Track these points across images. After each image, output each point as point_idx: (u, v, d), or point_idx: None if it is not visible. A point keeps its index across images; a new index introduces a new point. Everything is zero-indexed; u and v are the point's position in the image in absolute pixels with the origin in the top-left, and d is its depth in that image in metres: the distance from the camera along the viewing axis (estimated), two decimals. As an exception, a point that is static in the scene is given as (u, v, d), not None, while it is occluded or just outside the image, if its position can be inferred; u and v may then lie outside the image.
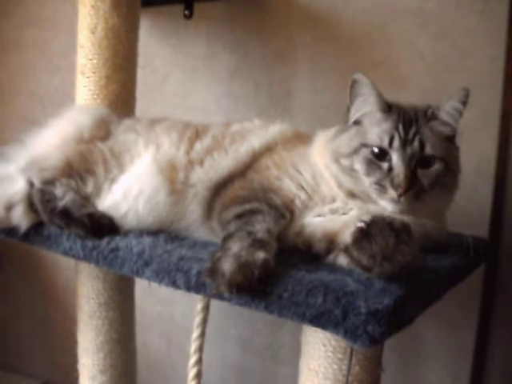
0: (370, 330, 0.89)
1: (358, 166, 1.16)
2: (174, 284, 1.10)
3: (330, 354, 1.14)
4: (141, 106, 1.89)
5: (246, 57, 1.96)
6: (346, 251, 1.03)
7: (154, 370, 2.25)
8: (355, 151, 1.17)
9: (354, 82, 1.19)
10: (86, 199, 1.31)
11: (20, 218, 1.29)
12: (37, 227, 1.31)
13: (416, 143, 1.14)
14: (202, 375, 1.48)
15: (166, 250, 1.15)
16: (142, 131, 1.42)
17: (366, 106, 1.19)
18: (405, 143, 1.14)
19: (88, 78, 1.62)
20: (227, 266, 0.97)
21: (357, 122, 1.21)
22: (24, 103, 2.33)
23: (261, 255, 0.99)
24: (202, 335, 1.47)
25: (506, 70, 1.66)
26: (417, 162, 1.14)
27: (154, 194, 1.28)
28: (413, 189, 1.12)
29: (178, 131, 1.40)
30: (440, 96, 1.69)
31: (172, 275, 1.09)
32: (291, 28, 1.90)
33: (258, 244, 1.03)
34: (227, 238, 1.07)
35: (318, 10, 1.87)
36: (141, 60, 1.94)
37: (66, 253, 1.28)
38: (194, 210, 1.27)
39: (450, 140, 1.21)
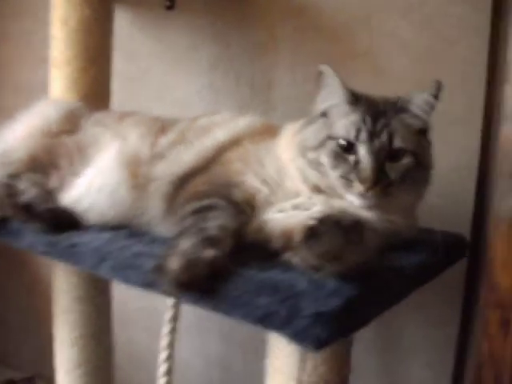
0: (316, 332, 0.85)
1: (325, 159, 1.13)
2: (127, 281, 1.08)
3: (294, 353, 1.10)
4: (122, 98, 1.88)
5: (228, 48, 1.93)
6: (296, 250, 1.00)
7: (138, 364, 2.24)
8: (322, 144, 1.14)
9: (320, 74, 1.18)
10: (50, 193, 1.30)
11: None
12: (3, 222, 1.30)
13: (384, 135, 1.10)
14: (172, 372, 1.46)
15: (122, 246, 1.14)
16: (110, 124, 1.40)
17: (332, 97, 1.17)
18: (372, 135, 1.10)
19: (61, 70, 1.59)
20: (174, 263, 0.94)
21: (324, 114, 1.18)
22: (9, 95, 2.31)
23: (210, 252, 0.97)
24: (173, 331, 1.46)
25: (490, 61, 1.62)
26: (385, 155, 1.10)
27: (116, 188, 1.26)
28: (380, 183, 1.08)
29: (146, 125, 1.37)
30: (423, 86, 1.68)
31: (126, 272, 1.07)
32: (272, 19, 1.87)
33: (209, 241, 1.00)
34: (179, 234, 1.05)
35: (300, 1, 1.83)
36: (122, 52, 1.93)
37: (28, 248, 1.28)
38: (155, 205, 1.24)
39: (421, 134, 1.18)
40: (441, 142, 1.66)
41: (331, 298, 0.90)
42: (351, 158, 1.11)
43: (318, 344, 0.86)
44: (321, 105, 1.19)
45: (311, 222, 0.96)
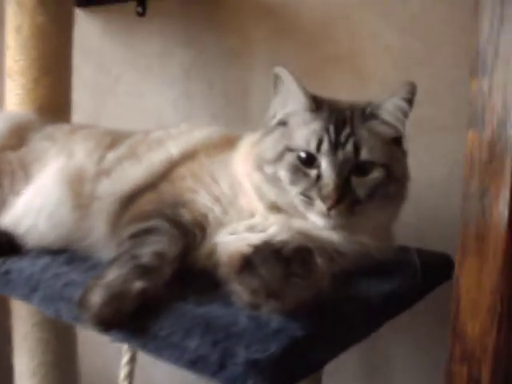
0: (251, 383, 0.73)
1: (283, 173, 1.02)
2: (58, 314, 0.97)
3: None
4: (93, 108, 1.79)
5: (201, 54, 1.84)
6: (231, 283, 0.86)
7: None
8: (280, 157, 1.03)
9: (276, 78, 1.06)
10: None
11: None
12: None
13: (349, 146, 0.99)
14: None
15: (55, 274, 1.03)
16: (59, 139, 1.30)
17: (291, 104, 1.05)
18: (336, 147, 0.99)
19: (15, 81, 1.50)
20: (96, 297, 0.83)
21: (283, 123, 1.07)
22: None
23: (137, 285, 0.85)
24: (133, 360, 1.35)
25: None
26: (351, 169, 0.99)
27: (57, 209, 1.15)
28: (345, 200, 0.97)
29: (95, 139, 1.27)
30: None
31: (56, 304, 0.97)
32: (246, 22, 1.77)
33: (141, 270, 0.88)
34: (110, 262, 0.93)
35: (274, 2, 1.73)
36: (93, 61, 1.85)
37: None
38: (98, 227, 1.12)
39: (394, 143, 1.06)
40: (426, 153, 1.56)
41: (271, 341, 0.77)
42: (313, 172, 1.00)
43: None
44: (279, 112, 1.07)
45: (248, 250, 0.83)
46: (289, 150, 1.02)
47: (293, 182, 1.01)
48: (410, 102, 1.03)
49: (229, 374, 0.74)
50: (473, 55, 0.80)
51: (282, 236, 0.96)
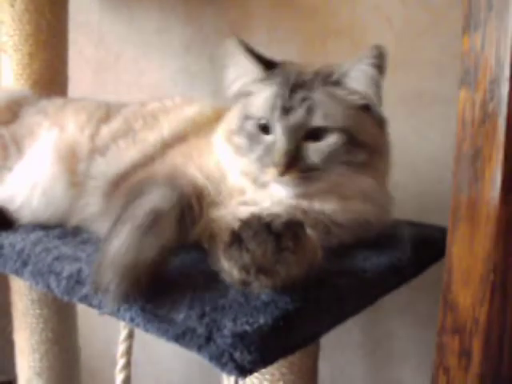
0: (238, 357, 0.71)
1: (243, 141, 1.02)
2: (48, 288, 0.96)
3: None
4: (94, 85, 1.77)
5: (201, 30, 1.81)
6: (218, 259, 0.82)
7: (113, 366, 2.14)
8: (242, 125, 1.04)
9: (228, 49, 1.03)
10: None
11: None
12: None
13: (301, 110, 0.96)
14: (130, 380, 1.34)
15: (45, 248, 1.02)
16: (51, 112, 1.28)
17: (245, 73, 1.04)
18: (288, 111, 0.97)
19: (10, 56, 1.48)
20: (109, 276, 0.77)
21: (244, 92, 1.06)
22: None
23: (147, 253, 0.79)
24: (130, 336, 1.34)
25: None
26: (304, 134, 0.96)
27: (51, 186, 1.14)
28: (296, 166, 0.95)
29: (88, 112, 1.25)
30: (409, 65, 1.53)
31: (45, 277, 0.96)
32: (247, -5, 1.73)
33: (141, 231, 0.82)
34: (109, 233, 0.85)
35: (275, -25, 1.69)
36: (94, 38, 1.83)
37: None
38: (94, 203, 1.12)
39: (362, 110, 1.01)
40: (428, 125, 1.53)
41: (259, 314, 0.75)
42: (268, 138, 0.99)
43: (240, 370, 0.72)
44: (237, 83, 1.06)
45: (235, 225, 0.79)
46: (247, 117, 1.02)
47: (251, 149, 1.00)
48: (379, 67, 0.97)
49: (215, 347, 0.72)
50: (465, 10, 0.76)
51: (274, 210, 0.93)
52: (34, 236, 1.08)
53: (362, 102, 1.00)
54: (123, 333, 1.33)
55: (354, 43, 1.61)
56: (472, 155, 0.78)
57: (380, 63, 0.97)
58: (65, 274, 0.92)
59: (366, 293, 0.96)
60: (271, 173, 0.95)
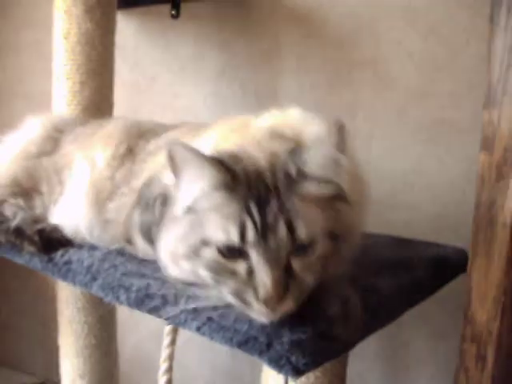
0: (294, 360, 0.83)
1: (203, 273, 0.83)
2: (117, 300, 1.07)
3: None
4: (129, 107, 1.89)
5: (233, 57, 1.93)
6: None
7: (144, 369, 2.25)
8: (195, 252, 0.82)
9: (172, 156, 0.82)
10: (38, 217, 1.27)
11: None
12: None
13: (281, 229, 0.78)
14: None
15: (112, 265, 1.13)
16: (83, 141, 1.31)
17: (196, 185, 0.83)
18: (264, 232, 0.78)
19: (62, 83, 1.61)
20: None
21: (190, 209, 0.85)
22: (20, 106, 2.34)
23: None
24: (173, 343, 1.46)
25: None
26: (289, 253, 0.79)
27: (89, 227, 1.22)
28: (291, 294, 0.79)
29: (113, 145, 1.24)
30: (428, 95, 1.66)
31: (115, 291, 1.07)
32: (277, 27, 1.86)
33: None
34: None
35: (305, 8, 1.82)
36: (129, 61, 1.95)
37: (26, 264, 1.27)
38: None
39: (337, 199, 0.85)
40: (446, 151, 1.66)
41: (312, 325, 0.87)
42: (241, 267, 0.80)
43: (296, 372, 0.84)
44: (184, 197, 0.85)
45: None
46: (204, 244, 0.81)
47: (218, 283, 0.82)
48: (340, 148, 0.80)
49: (275, 352, 0.84)
50: (485, 91, 0.93)
51: None
52: (99, 253, 1.18)
53: (333, 191, 0.83)
54: (166, 339, 1.44)
55: (376, 74, 1.74)
56: (488, 205, 0.96)
57: (340, 142, 0.80)
58: (134, 288, 1.03)
59: (392, 308, 1.09)
60: (259, 309, 0.79)
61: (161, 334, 2.09)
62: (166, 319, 0.99)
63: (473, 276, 0.99)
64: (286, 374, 0.87)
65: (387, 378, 1.86)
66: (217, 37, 1.94)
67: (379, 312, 1.03)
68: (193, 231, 0.83)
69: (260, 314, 0.80)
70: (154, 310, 1.01)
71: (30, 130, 1.40)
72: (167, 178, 0.95)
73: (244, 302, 0.80)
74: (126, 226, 1.12)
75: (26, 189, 1.29)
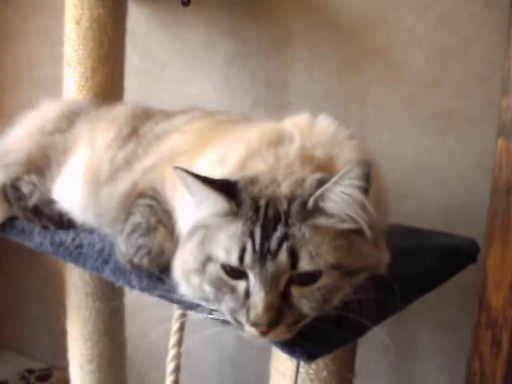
0: (307, 345, 0.84)
1: (207, 288, 0.84)
2: (129, 284, 1.08)
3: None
4: (139, 95, 1.89)
5: (244, 44, 1.92)
6: None
7: (153, 357, 2.27)
8: (203, 267, 0.84)
9: (181, 179, 0.85)
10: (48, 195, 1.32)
11: None
12: (12, 221, 1.35)
13: (283, 255, 0.78)
14: (180, 369, 1.47)
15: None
16: (93, 123, 1.35)
17: (206, 205, 0.85)
18: (263, 256, 0.78)
19: (73, 69, 1.61)
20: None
21: (202, 225, 0.88)
22: (28, 92, 2.34)
23: None
24: (181, 328, 1.47)
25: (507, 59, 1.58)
26: (289, 280, 0.79)
27: (83, 207, 1.25)
28: (283, 322, 0.78)
29: (118, 126, 1.28)
30: (439, 85, 1.65)
31: (127, 275, 1.08)
32: (288, 16, 1.85)
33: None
34: None
35: (316, -3, 1.82)
36: (140, 49, 1.95)
37: (37, 247, 1.30)
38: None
39: (352, 234, 0.83)
40: (457, 142, 1.66)
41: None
42: (241, 286, 0.81)
43: (309, 356, 0.85)
44: (197, 213, 0.88)
45: None
46: (210, 259, 0.83)
47: (218, 299, 0.83)
48: (364, 189, 0.80)
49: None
50: (504, 76, 0.93)
51: None
52: (110, 238, 1.20)
53: (349, 226, 0.82)
54: (175, 325, 1.46)
55: (387, 63, 1.74)
56: (506, 190, 0.95)
57: (365, 185, 0.79)
58: (145, 273, 1.04)
59: (403, 296, 1.09)
60: (249, 331, 0.79)
61: (167, 322, 2.11)
62: (178, 303, 1.00)
63: (488, 262, 0.99)
64: (299, 360, 0.87)
65: (394, 368, 1.87)
66: (227, 25, 1.94)
67: (391, 299, 1.04)
68: (202, 246, 0.85)
69: (252, 336, 0.80)
70: (165, 294, 1.02)
71: (48, 110, 1.44)
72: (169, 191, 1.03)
73: (237, 321, 0.81)
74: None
75: (39, 166, 1.33)
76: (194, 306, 0.95)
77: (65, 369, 2.21)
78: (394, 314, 1.06)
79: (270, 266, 0.78)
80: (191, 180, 0.82)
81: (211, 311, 0.88)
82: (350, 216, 0.81)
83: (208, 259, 0.83)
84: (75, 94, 1.62)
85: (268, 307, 0.77)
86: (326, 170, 0.88)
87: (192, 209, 0.89)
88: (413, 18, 1.69)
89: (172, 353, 1.46)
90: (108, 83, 1.63)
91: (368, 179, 0.79)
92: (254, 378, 2.11)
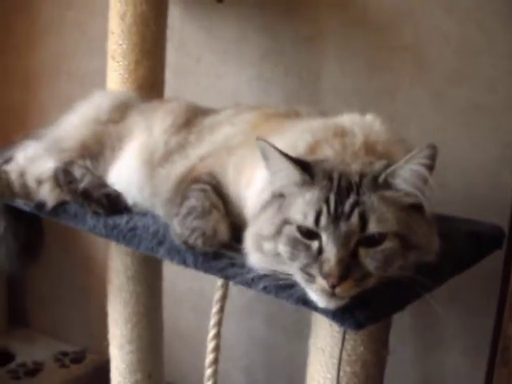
0: (357, 314, 0.92)
1: (282, 248, 0.94)
2: (184, 263, 1.16)
3: (335, 333, 1.17)
4: (175, 88, 1.96)
5: (277, 40, 1.98)
6: None
7: (185, 340, 2.35)
8: (278, 230, 0.95)
9: (261, 151, 0.96)
10: (102, 179, 1.40)
11: (47, 194, 1.40)
12: (64, 205, 1.41)
13: (354, 218, 0.89)
14: (220, 349, 1.54)
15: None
16: (148, 114, 1.45)
17: (282, 176, 0.97)
18: (337, 219, 0.89)
19: (118, 62, 1.68)
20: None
21: (280, 194, 0.99)
22: (64, 84, 2.41)
23: None
24: (221, 310, 1.54)
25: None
26: (358, 241, 0.90)
27: (140, 187, 1.34)
28: (351, 276, 0.88)
29: (174, 116, 1.40)
30: (465, 80, 1.71)
31: (182, 254, 1.15)
32: (319, 13, 1.91)
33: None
34: None
35: (346, -6, 1.88)
36: (175, 43, 2.01)
37: (90, 230, 1.37)
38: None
39: (413, 210, 0.96)
40: (481, 135, 1.72)
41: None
42: (314, 244, 0.91)
43: (358, 325, 0.93)
44: (274, 183, 0.99)
45: None
46: (286, 222, 0.94)
47: (293, 257, 0.92)
48: (430, 167, 0.92)
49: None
50: None
51: None
52: (162, 220, 1.27)
53: (412, 201, 0.95)
54: (215, 307, 1.53)
55: (414, 59, 1.79)
56: None
57: (431, 163, 0.92)
58: (199, 252, 1.11)
59: (434, 277, 1.12)
60: (320, 284, 0.88)
61: (202, 308, 2.19)
62: (233, 279, 1.07)
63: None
64: (348, 328, 0.95)
65: (419, 352, 1.94)
66: (260, 20, 1.99)
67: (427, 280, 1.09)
68: (279, 212, 0.96)
69: (321, 289, 0.89)
70: (220, 272, 1.10)
71: (101, 101, 1.53)
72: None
73: (309, 275, 0.90)
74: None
75: (93, 152, 1.42)
76: (249, 282, 1.03)
77: (98, 352, 2.31)
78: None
79: (343, 227, 0.88)
80: (272, 151, 0.94)
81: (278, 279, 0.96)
82: (415, 189, 0.93)
83: (285, 222, 0.94)
84: (119, 86, 1.68)
85: (339, 261, 0.87)
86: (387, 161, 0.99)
87: (263, 185, 1.02)
88: (439, 14, 1.74)
89: (212, 332, 1.54)
90: (150, 76, 1.70)
91: (434, 159, 0.91)
92: (282, 361, 2.18)
